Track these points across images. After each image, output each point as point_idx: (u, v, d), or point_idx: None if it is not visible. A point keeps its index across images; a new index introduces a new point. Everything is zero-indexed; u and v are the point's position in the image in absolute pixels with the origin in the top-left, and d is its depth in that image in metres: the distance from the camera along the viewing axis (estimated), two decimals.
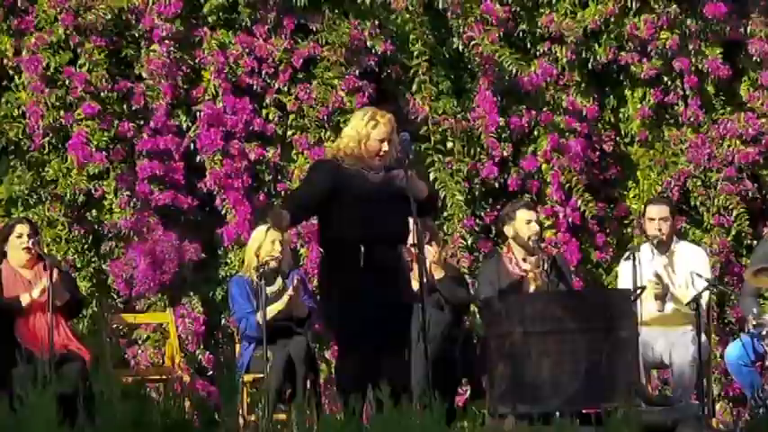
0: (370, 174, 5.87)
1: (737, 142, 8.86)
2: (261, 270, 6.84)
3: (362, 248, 5.71)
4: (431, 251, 6.95)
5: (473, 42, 8.59)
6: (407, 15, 8.56)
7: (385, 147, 5.82)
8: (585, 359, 6.25)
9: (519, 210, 7.22)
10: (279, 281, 7.23)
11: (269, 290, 7.03)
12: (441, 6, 8.56)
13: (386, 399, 3.82)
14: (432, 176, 8.51)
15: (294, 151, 8.66)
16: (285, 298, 6.90)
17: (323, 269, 6.09)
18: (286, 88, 8.63)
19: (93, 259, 8.42)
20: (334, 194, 5.77)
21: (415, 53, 8.70)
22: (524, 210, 7.22)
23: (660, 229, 7.34)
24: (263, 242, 7.06)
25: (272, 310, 6.97)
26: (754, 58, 8.88)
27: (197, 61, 8.55)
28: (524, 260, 7.11)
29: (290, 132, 8.68)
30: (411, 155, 5.88)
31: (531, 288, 7.00)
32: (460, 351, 7.12)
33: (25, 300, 7.04)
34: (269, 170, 8.65)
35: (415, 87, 8.68)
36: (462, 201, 8.55)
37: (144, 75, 8.47)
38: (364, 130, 5.81)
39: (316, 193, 5.79)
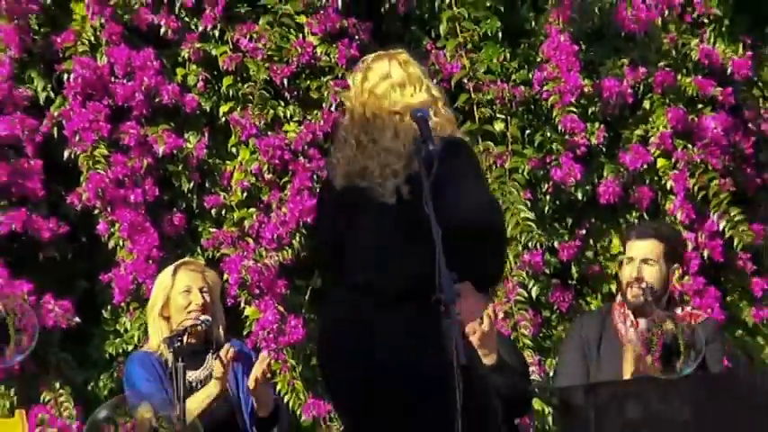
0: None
1: None
2: (176, 342, 5.37)
3: None
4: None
5: None
6: None
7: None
8: None
9: (631, 239, 6.22)
10: (211, 360, 5.67)
11: (193, 375, 5.58)
12: None
13: None
14: None
15: (232, 139, 7.18)
16: (213, 383, 5.58)
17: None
18: (216, 32, 7.27)
19: None
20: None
21: None
22: (634, 239, 6.16)
23: None
24: (172, 292, 5.77)
25: (197, 403, 5.54)
26: None
27: None
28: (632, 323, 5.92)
29: (224, 107, 7.23)
30: (429, 144, 4.17)
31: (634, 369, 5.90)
32: None
33: None
34: (189, 172, 7.20)
35: (442, 28, 7.38)
36: (531, 221, 7.23)
37: None
38: (354, 90, 4.51)
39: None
